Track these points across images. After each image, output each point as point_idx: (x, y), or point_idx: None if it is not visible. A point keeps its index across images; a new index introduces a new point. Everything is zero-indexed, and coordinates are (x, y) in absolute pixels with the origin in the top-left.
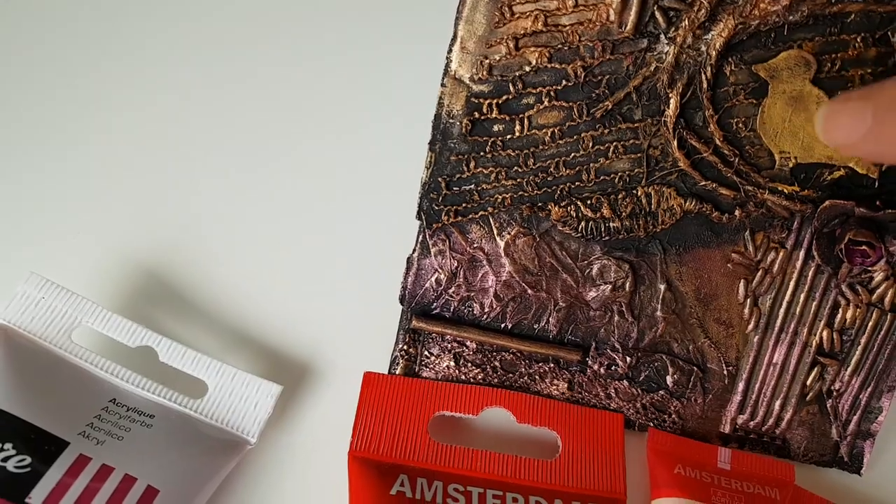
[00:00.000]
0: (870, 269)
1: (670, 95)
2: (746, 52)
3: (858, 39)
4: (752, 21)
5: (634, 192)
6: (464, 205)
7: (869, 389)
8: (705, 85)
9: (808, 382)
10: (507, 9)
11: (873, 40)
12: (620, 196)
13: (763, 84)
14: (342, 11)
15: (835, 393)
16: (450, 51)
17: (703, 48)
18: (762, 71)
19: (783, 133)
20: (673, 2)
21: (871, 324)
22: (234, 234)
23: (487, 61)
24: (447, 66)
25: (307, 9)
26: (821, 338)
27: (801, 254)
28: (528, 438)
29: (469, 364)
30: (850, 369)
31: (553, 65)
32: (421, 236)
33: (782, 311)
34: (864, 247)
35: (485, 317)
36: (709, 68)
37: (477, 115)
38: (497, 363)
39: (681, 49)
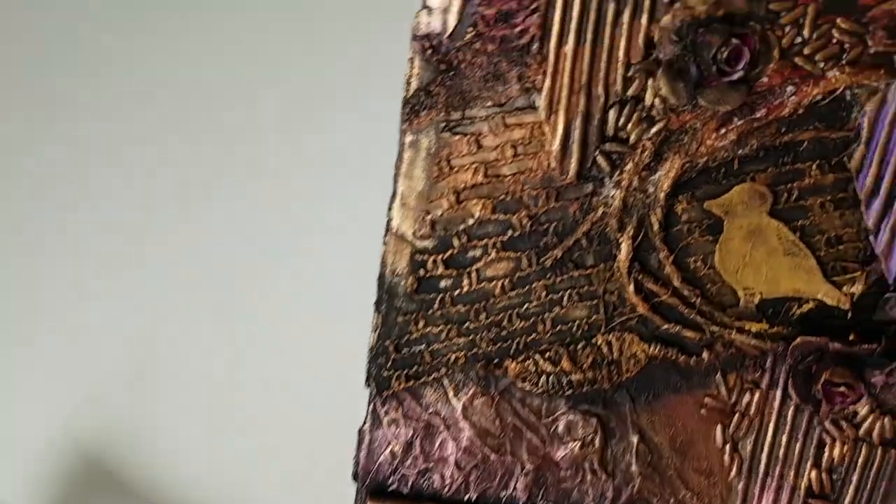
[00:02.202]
0: (851, 406)
1: (621, 240)
2: (697, 189)
3: (814, 167)
4: (699, 158)
5: (594, 340)
6: (415, 367)
7: None
8: (656, 226)
9: None
10: (445, 163)
11: (829, 166)
12: (580, 346)
13: (718, 220)
14: (280, 169)
15: None
16: (390, 208)
17: (651, 189)
18: (715, 207)
19: (744, 269)
20: (615, 146)
21: (860, 460)
22: (180, 421)
23: (429, 216)
24: (388, 223)
25: (246, 183)
26: (809, 480)
27: (778, 393)
28: None
29: None
30: None
31: (497, 216)
32: (371, 405)
33: (765, 454)
34: (842, 388)
35: (446, 489)
36: (658, 209)
37: (422, 272)
38: None
39: (627, 192)
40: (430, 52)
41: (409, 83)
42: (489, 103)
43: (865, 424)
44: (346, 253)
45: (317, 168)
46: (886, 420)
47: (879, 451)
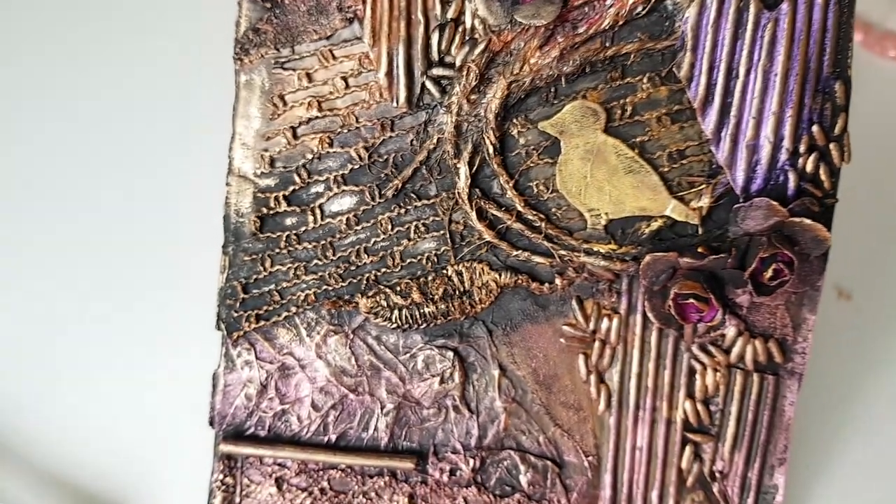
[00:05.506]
0: (709, 323)
1: (458, 166)
2: (530, 111)
3: (645, 80)
4: (524, 78)
5: (444, 271)
6: (265, 307)
7: (756, 466)
8: (492, 150)
9: (684, 466)
10: (278, 99)
11: (660, 79)
12: (430, 278)
13: (555, 141)
14: (118, 112)
15: (719, 475)
16: (231, 148)
17: (482, 112)
18: (549, 128)
19: (587, 190)
20: (441, 70)
21: (737, 389)
22: (34, 373)
23: (268, 154)
24: (230, 163)
25: (80, 107)
26: (685, 411)
27: (638, 318)
28: None
29: (294, 489)
30: (727, 444)
31: (335, 149)
32: (224, 348)
33: (633, 385)
34: (691, 300)
35: (305, 431)
36: (491, 132)
37: (265, 210)
38: (326, 483)
39: (459, 116)
40: None
41: (238, 24)
42: (316, 37)
43: (735, 349)
44: (194, 196)
45: (158, 115)
46: (758, 343)
47: (756, 378)
